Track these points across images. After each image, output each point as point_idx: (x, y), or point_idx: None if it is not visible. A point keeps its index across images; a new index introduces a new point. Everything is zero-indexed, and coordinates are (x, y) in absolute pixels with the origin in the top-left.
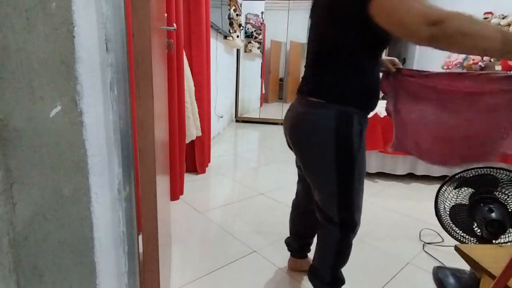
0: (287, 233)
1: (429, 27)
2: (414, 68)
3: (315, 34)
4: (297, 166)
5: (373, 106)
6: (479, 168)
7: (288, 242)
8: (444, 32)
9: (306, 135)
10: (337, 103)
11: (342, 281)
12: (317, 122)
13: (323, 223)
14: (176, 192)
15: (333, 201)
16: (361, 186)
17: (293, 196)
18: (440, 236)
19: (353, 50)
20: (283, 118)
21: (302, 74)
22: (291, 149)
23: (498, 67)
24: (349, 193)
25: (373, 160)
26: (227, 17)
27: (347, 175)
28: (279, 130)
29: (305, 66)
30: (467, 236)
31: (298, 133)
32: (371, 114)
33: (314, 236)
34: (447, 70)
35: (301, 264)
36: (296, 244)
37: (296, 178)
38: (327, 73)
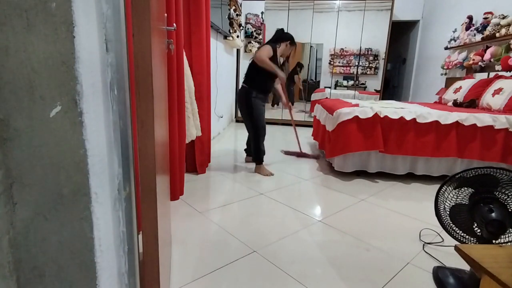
0: (287, 233)
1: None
2: (414, 67)
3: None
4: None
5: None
6: (479, 168)
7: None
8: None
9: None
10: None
11: (264, 150)
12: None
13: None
14: (176, 192)
15: (250, 124)
16: (260, 117)
17: (293, 196)
18: (440, 236)
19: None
20: (282, 118)
21: (302, 74)
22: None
23: (498, 67)
24: (255, 119)
25: (373, 160)
26: (227, 17)
27: (252, 113)
28: (279, 130)
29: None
30: (467, 236)
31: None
32: (370, 114)
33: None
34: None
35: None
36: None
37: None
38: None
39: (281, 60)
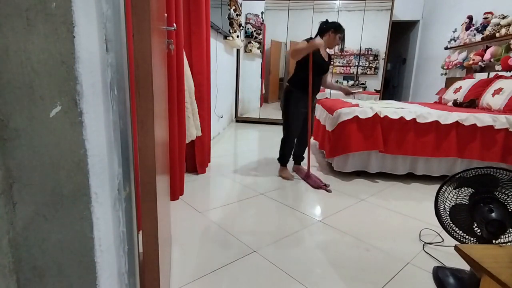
0: (287, 233)
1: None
2: (414, 67)
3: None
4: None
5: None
6: (479, 168)
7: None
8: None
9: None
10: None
11: (292, 148)
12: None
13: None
14: (176, 192)
15: (285, 124)
16: (296, 120)
17: (293, 196)
18: (440, 236)
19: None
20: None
21: None
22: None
23: (498, 67)
24: (289, 120)
25: (373, 160)
26: (227, 17)
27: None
28: (279, 130)
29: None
30: (467, 236)
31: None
32: (370, 114)
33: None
34: None
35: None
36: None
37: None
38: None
39: (327, 53)
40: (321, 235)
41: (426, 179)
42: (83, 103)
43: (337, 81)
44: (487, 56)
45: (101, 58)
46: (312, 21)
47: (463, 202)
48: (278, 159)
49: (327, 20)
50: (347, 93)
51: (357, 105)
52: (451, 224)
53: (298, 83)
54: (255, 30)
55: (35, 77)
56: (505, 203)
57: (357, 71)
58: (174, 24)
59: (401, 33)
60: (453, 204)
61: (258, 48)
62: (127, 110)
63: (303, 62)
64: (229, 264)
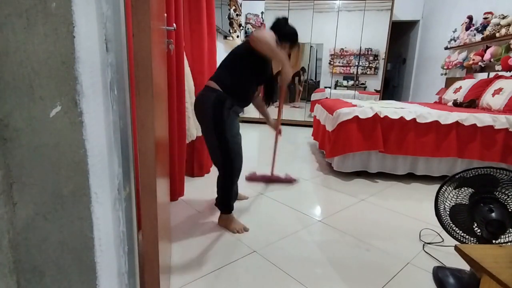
0: (287, 233)
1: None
2: (414, 67)
3: None
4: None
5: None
6: (479, 168)
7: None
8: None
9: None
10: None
11: (235, 194)
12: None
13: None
14: (176, 192)
15: (217, 154)
16: (236, 143)
17: (294, 196)
18: (440, 236)
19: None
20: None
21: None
22: None
23: (498, 67)
24: (227, 147)
25: (373, 160)
26: (227, 17)
27: (222, 134)
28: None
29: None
30: (467, 236)
31: None
32: (370, 114)
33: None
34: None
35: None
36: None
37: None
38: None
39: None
40: (321, 235)
41: (426, 179)
42: (83, 103)
43: (337, 81)
44: (487, 56)
45: (101, 58)
46: (312, 21)
47: (463, 202)
48: (223, 205)
49: (284, 19)
50: (271, 125)
51: (356, 106)
52: (451, 224)
53: (236, 90)
54: (255, 30)
55: (35, 77)
56: (505, 203)
57: (357, 71)
58: (174, 24)
59: (401, 33)
60: (453, 204)
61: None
62: (127, 110)
63: (255, 62)
64: (229, 264)
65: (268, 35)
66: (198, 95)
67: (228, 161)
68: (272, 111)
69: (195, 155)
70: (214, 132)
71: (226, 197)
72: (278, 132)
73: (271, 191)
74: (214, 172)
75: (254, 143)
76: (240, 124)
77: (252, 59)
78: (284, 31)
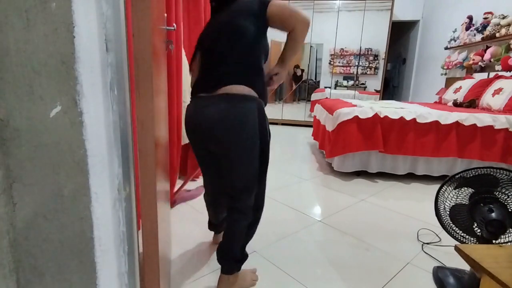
0: (287, 233)
1: None
2: (414, 67)
3: None
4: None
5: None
6: (479, 168)
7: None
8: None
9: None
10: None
11: (247, 256)
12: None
13: (238, 209)
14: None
15: (250, 186)
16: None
17: (294, 196)
18: (438, 236)
19: None
20: (282, 118)
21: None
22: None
23: (498, 67)
24: (264, 176)
25: (373, 160)
26: None
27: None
28: (279, 130)
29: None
30: (467, 236)
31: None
32: (370, 114)
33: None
34: None
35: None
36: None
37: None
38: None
39: None
40: (321, 235)
41: (426, 179)
42: (83, 103)
43: (337, 81)
44: (487, 56)
45: (101, 58)
46: (312, 21)
47: (463, 202)
48: (230, 262)
49: None
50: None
51: (356, 106)
52: (451, 224)
53: (264, 88)
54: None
55: (35, 77)
56: (505, 203)
57: (357, 71)
58: (174, 24)
59: (401, 33)
60: (453, 204)
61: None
62: (127, 110)
63: (266, 46)
64: None
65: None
66: (226, 108)
67: (263, 192)
68: (277, 108)
69: (190, 155)
70: (259, 154)
71: (244, 246)
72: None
73: (271, 191)
74: None
75: None
76: None
77: (266, 42)
78: None
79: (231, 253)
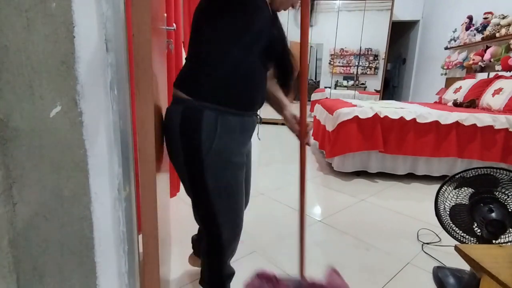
0: (287, 233)
1: None
2: (414, 67)
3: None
4: None
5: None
6: (479, 168)
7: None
8: None
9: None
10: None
11: (229, 275)
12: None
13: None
14: (173, 188)
15: (195, 211)
16: (227, 202)
17: (294, 196)
18: (438, 236)
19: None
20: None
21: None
22: None
23: (498, 67)
24: (207, 205)
25: (373, 160)
26: None
27: (198, 182)
28: (279, 130)
29: None
30: (467, 236)
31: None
32: (370, 114)
33: None
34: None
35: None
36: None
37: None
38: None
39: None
40: (321, 235)
41: (426, 179)
42: (83, 103)
43: (337, 81)
44: (487, 56)
45: (101, 58)
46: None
47: (463, 202)
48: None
49: None
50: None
51: (355, 106)
52: (451, 224)
53: (235, 79)
54: None
55: (35, 77)
56: (505, 203)
57: (357, 71)
58: (174, 24)
59: (401, 33)
60: (453, 204)
61: None
62: (127, 110)
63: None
64: None
65: None
66: (166, 116)
67: (213, 229)
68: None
69: None
70: (187, 176)
71: (215, 278)
72: (304, 141)
73: (271, 191)
74: None
75: (253, 143)
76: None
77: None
78: None
79: (206, 279)
